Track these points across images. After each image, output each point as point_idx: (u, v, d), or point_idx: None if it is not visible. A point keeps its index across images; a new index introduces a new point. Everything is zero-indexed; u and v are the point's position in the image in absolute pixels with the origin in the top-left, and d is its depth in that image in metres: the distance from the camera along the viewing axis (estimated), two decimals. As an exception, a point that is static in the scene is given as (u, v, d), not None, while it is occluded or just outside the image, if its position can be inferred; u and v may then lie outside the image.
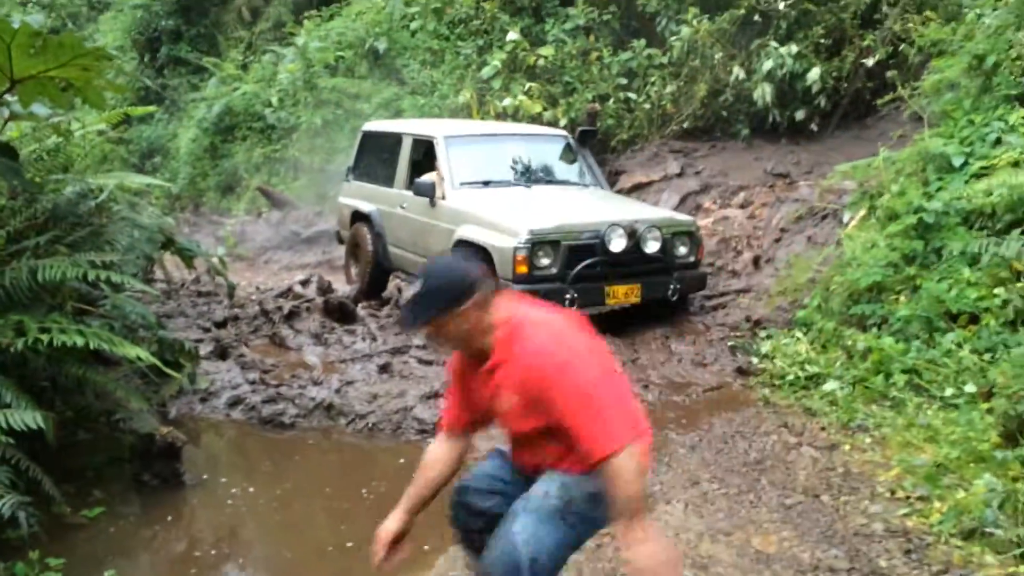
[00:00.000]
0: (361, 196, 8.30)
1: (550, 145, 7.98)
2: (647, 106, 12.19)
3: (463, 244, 6.62)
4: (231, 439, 5.09)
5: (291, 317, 6.33)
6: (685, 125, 12.22)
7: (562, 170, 7.76)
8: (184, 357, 4.85)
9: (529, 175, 7.43)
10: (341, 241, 8.88)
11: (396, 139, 7.99)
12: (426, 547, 3.65)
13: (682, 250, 6.69)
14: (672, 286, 6.53)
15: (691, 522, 3.67)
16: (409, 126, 8.35)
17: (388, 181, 7.90)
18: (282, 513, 4.14)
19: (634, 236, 6.34)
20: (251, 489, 4.32)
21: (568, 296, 6.16)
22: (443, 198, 7.00)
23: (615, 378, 2.36)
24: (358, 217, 8.20)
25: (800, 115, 11.35)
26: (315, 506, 4.24)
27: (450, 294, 2.33)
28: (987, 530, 3.31)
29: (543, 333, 2.32)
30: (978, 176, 5.77)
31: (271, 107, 16.51)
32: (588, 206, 7.11)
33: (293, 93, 16.17)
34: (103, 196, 5.20)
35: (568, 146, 7.93)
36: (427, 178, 7.21)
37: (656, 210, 7.60)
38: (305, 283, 7.93)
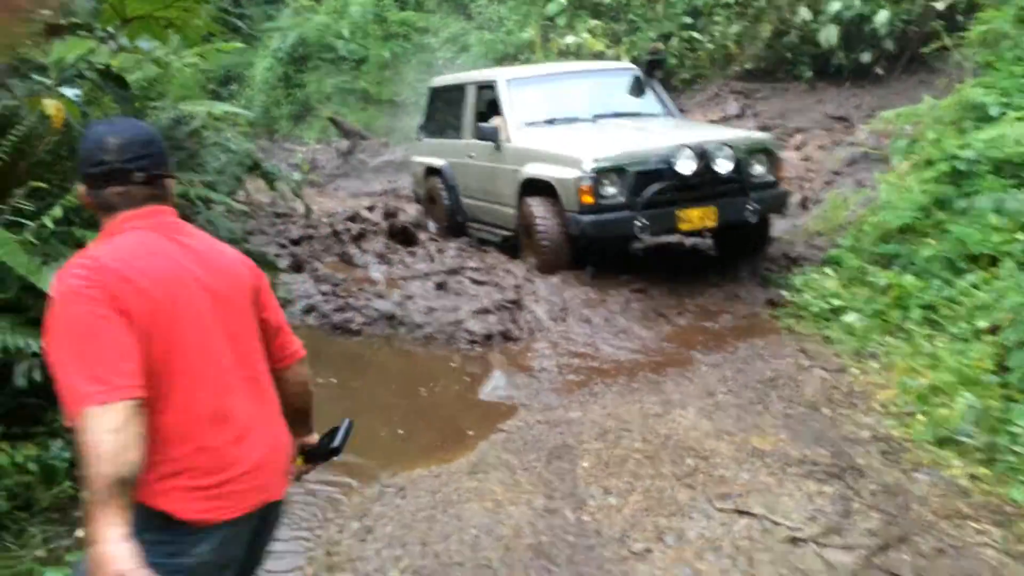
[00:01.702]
0: (432, 152, 8.48)
1: (616, 79, 7.89)
2: (710, 46, 12.34)
3: (530, 183, 6.66)
4: (306, 342, 5.75)
5: (359, 238, 6.95)
6: (748, 66, 12.34)
7: (630, 103, 7.69)
8: (266, 268, 5.50)
9: (595, 110, 7.38)
10: (418, 200, 8.98)
11: (460, 90, 8.11)
12: (470, 432, 4.28)
13: (759, 169, 6.45)
14: (750, 207, 6.28)
15: (701, 424, 4.20)
16: (471, 75, 8.46)
17: (456, 133, 8.03)
18: (348, 404, 4.79)
19: (704, 157, 6.09)
20: (319, 381, 4.98)
21: (639, 223, 6.06)
22: (508, 140, 7.04)
23: (111, 324, 1.71)
24: (431, 173, 8.36)
25: (866, 58, 11.40)
26: (377, 401, 4.88)
27: (85, 162, 1.89)
28: (959, 438, 3.76)
29: (77, 260, 1.80)
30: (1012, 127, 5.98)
31: (342, 39, 17.04)
32: (655, 132, 6.96)
33: (363, 25, 16.64)
34: (196, 123, 5.83)
35: (636, 79, 7.78)
36: (492, 123, 7.32)
37: (729, 130, 7.40)
38: (371, 209, 8.54)
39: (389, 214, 7.73)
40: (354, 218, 7.97)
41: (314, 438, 2.24)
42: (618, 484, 3.60)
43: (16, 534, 3.14)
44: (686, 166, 6.07)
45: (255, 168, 5.97)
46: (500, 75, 7.67)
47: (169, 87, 6.38)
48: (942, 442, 3.80)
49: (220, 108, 6.27)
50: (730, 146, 6.18)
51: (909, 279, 5.73)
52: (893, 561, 3.00)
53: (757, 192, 6.37)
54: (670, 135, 6.63)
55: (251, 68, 19.18)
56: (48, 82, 3.91)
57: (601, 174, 6.11)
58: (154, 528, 1.74)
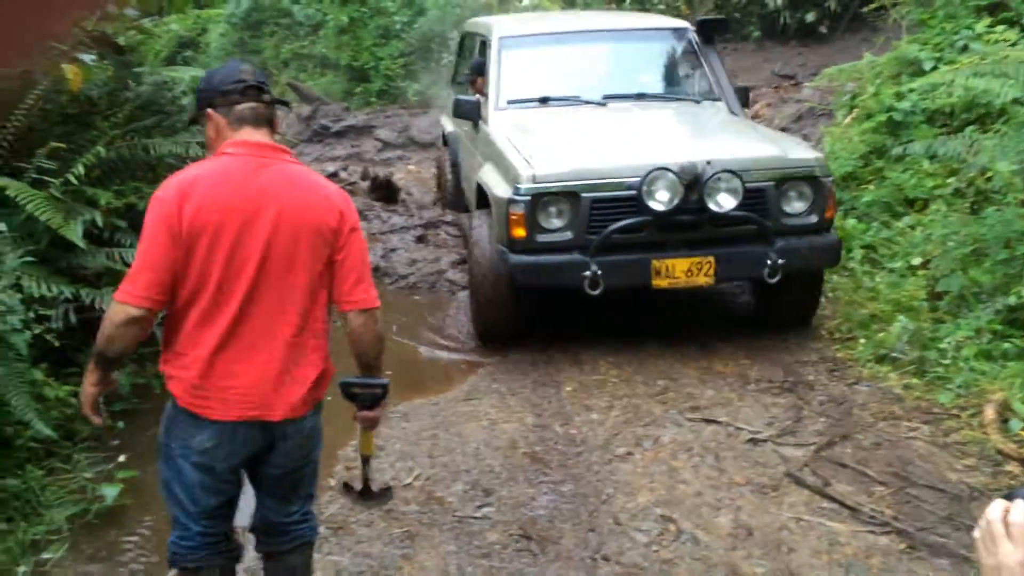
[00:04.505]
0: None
1: (657, 44, 5.98)
2: (661, 7, 12.74)
3: (480, 190, 5.05)
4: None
5: (338, 197, 7.25)
6: (697, 27, 12.76)
7: (668, 79, 5.92)
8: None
9: (612, 87, 5.58)
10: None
11: (473, 41, 6.57)
12: (461, 366, 4.70)
13: (797, 205, 4.53)
14: (771, 261, 4.35)
15: (668, 353, 4.65)
16: (484, 24, 6.46)
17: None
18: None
19: (695, 186, 4.27)
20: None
21: (589, 273, 4.28)
22: (485, 121, 5.41)
23: (161, 239, 2.08)
24: (445, 141, 7.03)
25: (810, 18, 11.91)
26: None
27: (199, 95, 2.27)
28: (894, 355, 4.29)
29: (175, 174, 2.21)
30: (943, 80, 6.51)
31: (298, 3, 17.06)
32: (660, 137, 5.02)
33: (321, -11, 16.68)
34: (178, 89, 6.07)
35: (688, 43, 5.84)
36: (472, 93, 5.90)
37: (763, 145, 4.82)
38: (344, 169, 8.82)
39: (366, 176, 8.02)
40: (331, 178, 8.24)
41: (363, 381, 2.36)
42: (599, 403, 4.06)
43: (64, 459, 3.48)
44: (662, 197, 4.29)
45: (245, 130, 6.23)
46: (496, 28, 5.87)
47: (148, 53, 6.57)
48: (880, 359, 4.33)
49: (197, 73, 6.51)
50: (737, 173, 4.30)
51: (852, 222, 6.25)
52: (838, 454, 3.50)
53: (788, 238, 4.47)
54: (672, 144, 4.74)
55: (205, 35, 19.03)
56: (64, 47, 4.16)
57: (541, 198, 4.36)
58: (178, 412, 2.19)
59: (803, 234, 4.55)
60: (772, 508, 3.12)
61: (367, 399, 2.37)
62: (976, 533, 1.18)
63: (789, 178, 4.53)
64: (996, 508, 1.17)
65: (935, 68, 6.75)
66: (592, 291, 4.32)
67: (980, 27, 6.60)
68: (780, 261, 4.36)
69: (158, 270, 2.09)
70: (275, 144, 2.21)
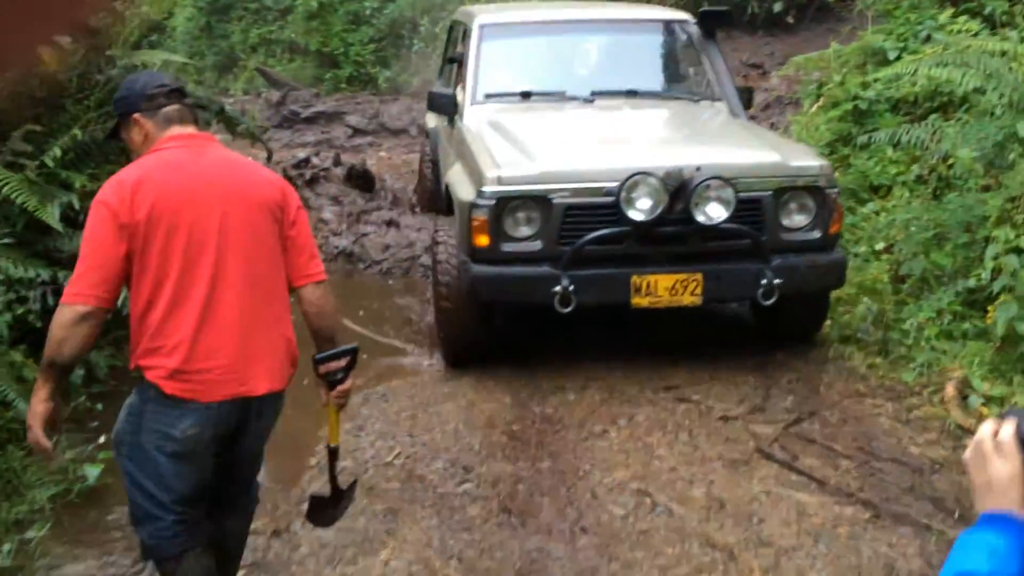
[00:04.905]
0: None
1: (653, 37, 5.59)
2: (632, -4, 12.80)
3: (449, 193, 4.68)
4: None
5: (312, 183, 7.26)
6: (667, 15, 12.84)
7: (664, 75, 5.54)
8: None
9: (602, 83, 5.11)
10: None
11: (459, 30, 6.20)
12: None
13: (797, 219, 4.14)
14: (765, 280, 3.96)
15: (644, 338, 4.76)
16: (469, 12, 5.92)
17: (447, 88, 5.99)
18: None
19: (680, 194, 3.87)
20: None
21: (560, 289, 3.92)
22: (460, 117, 5.02)
23: (107, 239, 2.11)
24: (426, 136, 6.69)
25: (778, 7, 12.04)
26: (347, 329, 5.28)
27: (122, 103, 2.30)
28: (859, 336, 4.43)
29: (114, 175, 2.22)
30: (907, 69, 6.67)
31: (267, -13, 16.91)
32: (646, 139, 4.67)
33: (289, -26, 16.53)
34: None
35: (688, 37, 5.46)
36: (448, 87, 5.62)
37: (761, 151, 4.37)
38: (316, 155, 8.80)
39: (338, 162, 8.02)
40: (303, 163, 8.20)
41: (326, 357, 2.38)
42: (575, 383, 4.15)
43: (44, 441, 3.48)
44: (643, 205, 3.89)
45: (220, 114, 6.21)
46: (478, 16, 5.47)
47: (119, 36, 6.51)
48: (845, 340, 4.47)
49: (177, 59, 6.46)
50: (728, 181, 3.89)
51: (818, 208, 6.40)
52: (806, 430, 3.63)
53: (787, 255, 4.08)
54: (658, 147, 4.39)
55: (171, 19, 18.75)
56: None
57: (506, 203, 3.98)
58: (153, 399, 2.19)
59: (804, 251, 4.13)
60: (743, 481, 3.23)
61: (340, 373, 2.38)
62: (967, 454, 1.24)
63: (789, 188, 4.10)
64: (987, 428, 1.24)
65: (899, 58, 6.90)
66: (563, 308, 3.94)
67: (943, 18, 6.76)
68: (776, 281, 3.95)
69: (102, 268, 2.11)
70: (206, 134, 2.35)
